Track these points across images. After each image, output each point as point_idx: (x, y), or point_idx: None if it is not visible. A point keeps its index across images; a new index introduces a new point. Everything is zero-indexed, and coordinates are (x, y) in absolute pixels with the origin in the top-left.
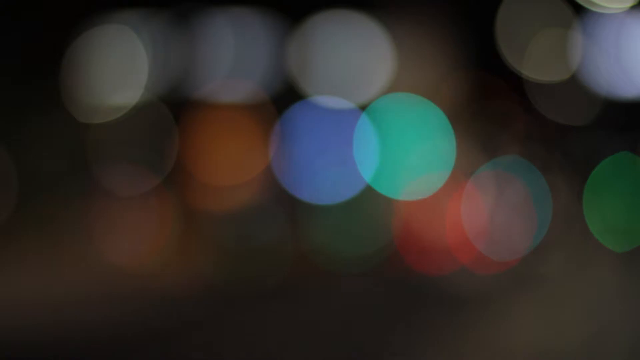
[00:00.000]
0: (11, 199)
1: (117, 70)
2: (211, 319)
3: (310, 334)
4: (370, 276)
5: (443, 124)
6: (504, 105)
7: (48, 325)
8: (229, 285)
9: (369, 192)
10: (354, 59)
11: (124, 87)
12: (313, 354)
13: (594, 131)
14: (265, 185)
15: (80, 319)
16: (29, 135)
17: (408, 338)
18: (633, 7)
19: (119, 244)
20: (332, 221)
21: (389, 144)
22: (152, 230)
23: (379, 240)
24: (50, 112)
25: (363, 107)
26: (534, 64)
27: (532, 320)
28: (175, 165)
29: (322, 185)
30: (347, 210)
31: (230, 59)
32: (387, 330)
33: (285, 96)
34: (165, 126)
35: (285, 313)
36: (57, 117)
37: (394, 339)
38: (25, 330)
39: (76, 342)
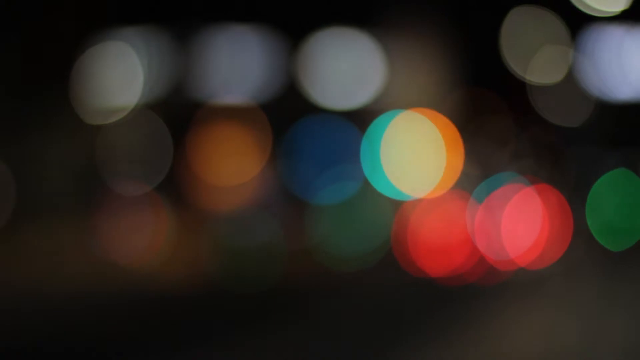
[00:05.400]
0: (12, 198)
1: (120, 79)
2: (211, 316)
3: (309, 332)
4: (371, 274)
5: (436, 134)
6: (503, 120)
7: (49, 322)
8: (229, 283)
9: (368, 192)
10: (354, 71)
11: (124, 93)
12: (313, 353)
13: (593, 147)
14: (265, 185)
15: (81, 317)
16: (33, 137)
17: (408, 337)
18: (626, 11)
19: (120, 243)
20: (332, 220)
21: (387, 148)
22: (153, 229)
23: (378, 239)
24: (53, 116)
25: (362, 113)
26: (536, 72)
27: (532, 320)
28: (176, 166)
29: (322, 185)
30: (347, 210)
31: (232, 67)
32: (387, 329)
33: (286, 102)
34: (167, 129)
35: (285, 311)
36: (61, 121)
37: (394, 338)
38: (27, 327)
39: (77, 339)
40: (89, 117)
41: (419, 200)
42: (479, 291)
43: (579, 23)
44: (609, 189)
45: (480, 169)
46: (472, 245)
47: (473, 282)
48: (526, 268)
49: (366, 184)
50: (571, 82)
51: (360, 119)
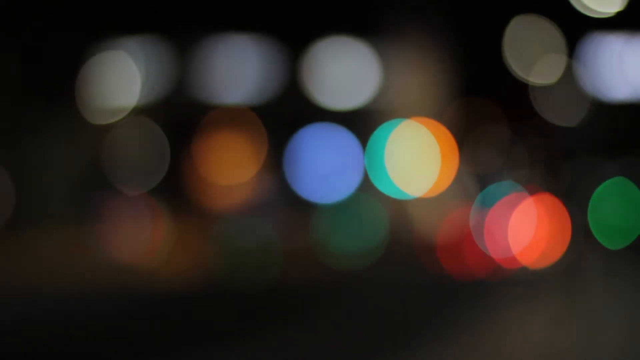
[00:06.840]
0: (13, 198)
1: (119, 83)
2: (211, 316)
3: (309, 331)
4: (372, 273)
5: (434, 142)
6: (504, 127)
7: (49, 322)
8: (229, 283)
9: (368, 192)
10: (354, 77)
11: (124, 96)
12: (313, 352)
13: (592, 154)
14: (265, 185)
15: (81, 316)
16: (34, 139)
17: (408, 337)
18: (623, 14)
19: (120, 243)
20: (333, 219)
21: (388, 152)
22: (152, 230)
23: (378, 237)
24: (53, 119)
25: (363, 118)
26: (538, 75)
27: (532, 320)
28: (176, 166)
29: (323, 184)
30: (347, 209)
31: (234, 73)
32: (387, 328)
33: (288, 105)
34: (165, 132)
35: (285, 311)
36: (61, 124)
37: (394, 337)
38: (27, 327)
39: (77, 339)
40: (89, 118)
41: (422, 200)
42: (480, 290)
43: (578, 29)
44: (608, 195)
45: (482, 175)
46: (474, 245)
47: (474, 280)
48: (528, 267)
49: (366, 183)
50: (570, 83)
51: (361, 124)
